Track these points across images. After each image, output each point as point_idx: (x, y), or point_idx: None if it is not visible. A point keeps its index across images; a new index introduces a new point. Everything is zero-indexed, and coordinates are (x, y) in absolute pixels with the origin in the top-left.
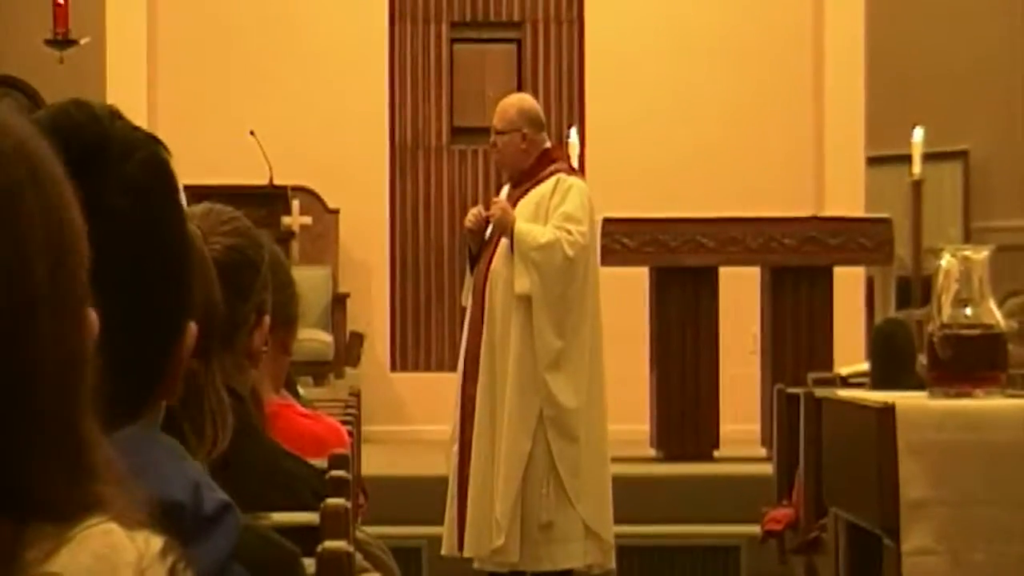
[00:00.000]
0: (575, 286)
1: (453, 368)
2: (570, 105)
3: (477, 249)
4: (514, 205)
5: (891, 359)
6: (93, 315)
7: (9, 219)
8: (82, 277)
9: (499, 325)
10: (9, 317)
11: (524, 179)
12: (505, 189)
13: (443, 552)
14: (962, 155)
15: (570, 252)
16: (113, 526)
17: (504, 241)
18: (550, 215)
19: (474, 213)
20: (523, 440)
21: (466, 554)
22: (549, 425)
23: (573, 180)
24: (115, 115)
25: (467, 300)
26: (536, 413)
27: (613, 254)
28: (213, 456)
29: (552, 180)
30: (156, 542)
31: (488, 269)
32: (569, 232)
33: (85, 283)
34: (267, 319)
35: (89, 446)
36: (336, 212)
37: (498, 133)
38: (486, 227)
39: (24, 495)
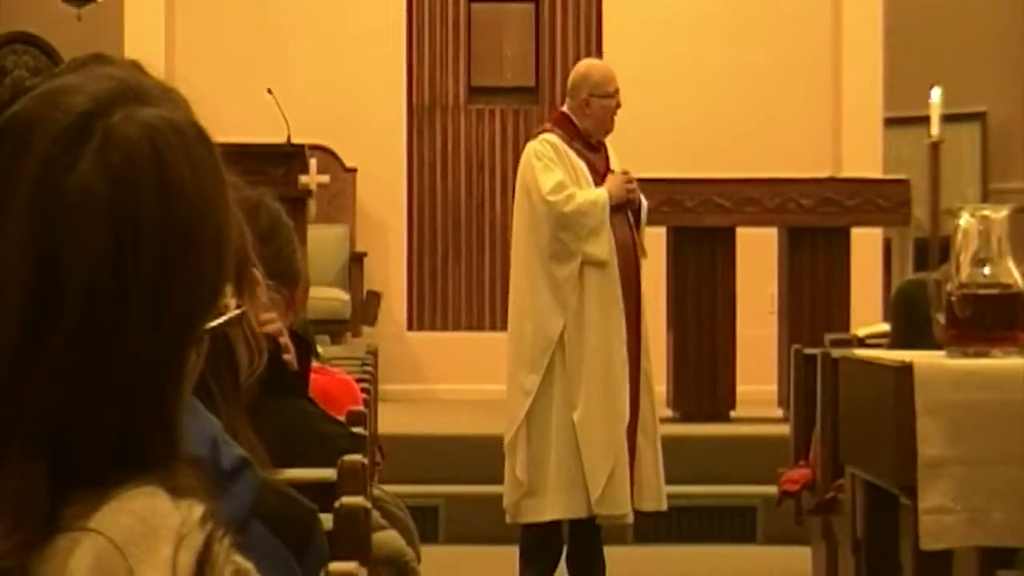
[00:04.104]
0: None
1: (470, 327)
2: None
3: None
4: (607, 170)
5: (911, 320)
6: (231, 300)
7: (124, 207)
8: (209, 277)
9: (645, 286)
10: (108, 289)
11: (599, 144)
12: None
13: (619, 511)
14: (980, 116)
15: None
16: (159, 490)
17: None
18: None
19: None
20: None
21: (649, 508)
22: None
23: None
24: (140, 69)
25: (607, 253)
26: None
27: None
28: (252, 380)
29: (610, 147)
30: (198, 509)
31: (633, 233)
32: None
33: (213, 285)
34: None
35: (151, 416)
36: (353, 171)
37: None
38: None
39: (70, 463)
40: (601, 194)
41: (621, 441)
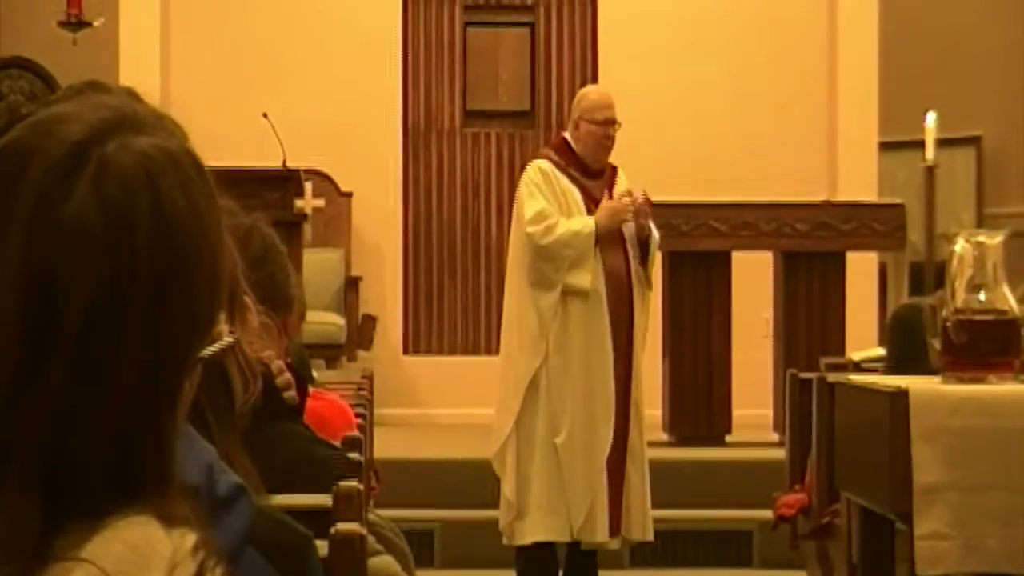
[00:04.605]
0: None
1: (467, 350)
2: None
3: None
4: (609, 197)
5: (907, 345)
6: (224, 328)
7: (119, 237)
8: (204, 306)
9: (637, 315)
10: (104, 319)
11: (601, 171)
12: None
13: (596, 539)
14: (975, 141)
15: None
16: (151, 519)
17: (631, 235)
18: None
19: (627, 205)
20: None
21: (635, 537)
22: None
23: None
24: (135, 96)
25: (590, 284)
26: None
27: None
28: (248, 406)
29: (622, 174)
30: (191, 538)
31: (628, 262)
32: None
33: (208, 313)
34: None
35: (146, 445)
36: (349, 195)
37: (617, 126)
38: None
39: (64, 491)
40: (587, 224)
41: (601, 468)
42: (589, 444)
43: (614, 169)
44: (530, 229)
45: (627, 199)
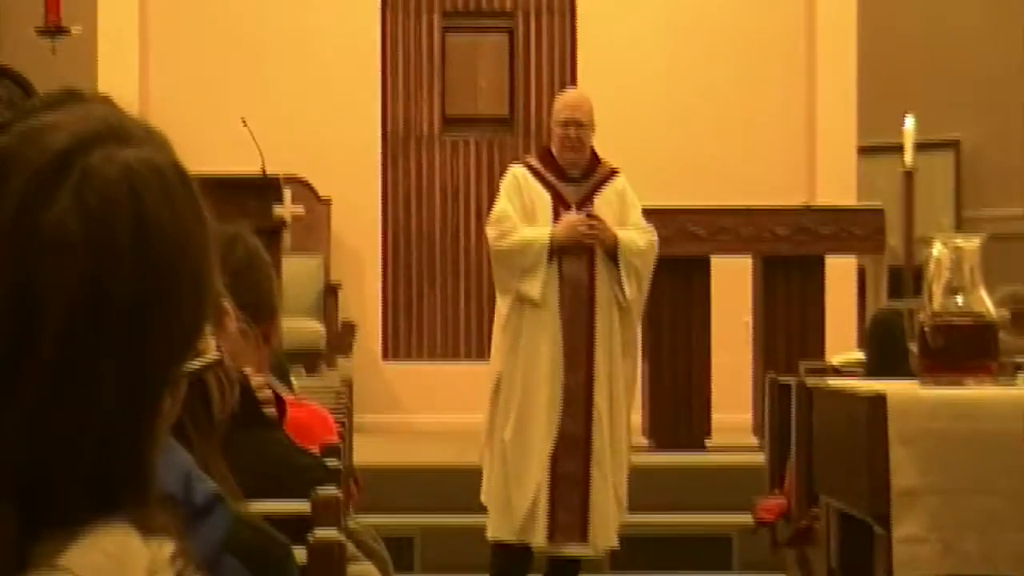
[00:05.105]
0: None
1: (446, 356)
2: None
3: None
4: (585, 201)
5: (887, 349)
6: (211, 342)
7: (99, 247)
8: (188, 320)
9: (601, 323)
10: (84, 329)
11: (585, 175)
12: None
13: (532, 541)
14: (954, 145)
15: (656, 251)
16: (130, 529)
17: (605, 245)
18: (628, 212)
19: (586, 226)
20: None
21: (602, 544)
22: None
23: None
24: (113, 105)
25: (538, 293)
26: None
27: None
28: (224, 416)
29: (621, 178)
30: (168, 547)
31: (593, 271)
32: (653, 232)
33: (191, 327)
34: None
35: (125, 457)
36: (328, 202)
37: (581, 126)
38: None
39: (42, 501)
40: (541, 235)
41: (539, 472)
42: (525, 447)
43: (612, 172)
44: (488, 232)
45: (580, 217)
